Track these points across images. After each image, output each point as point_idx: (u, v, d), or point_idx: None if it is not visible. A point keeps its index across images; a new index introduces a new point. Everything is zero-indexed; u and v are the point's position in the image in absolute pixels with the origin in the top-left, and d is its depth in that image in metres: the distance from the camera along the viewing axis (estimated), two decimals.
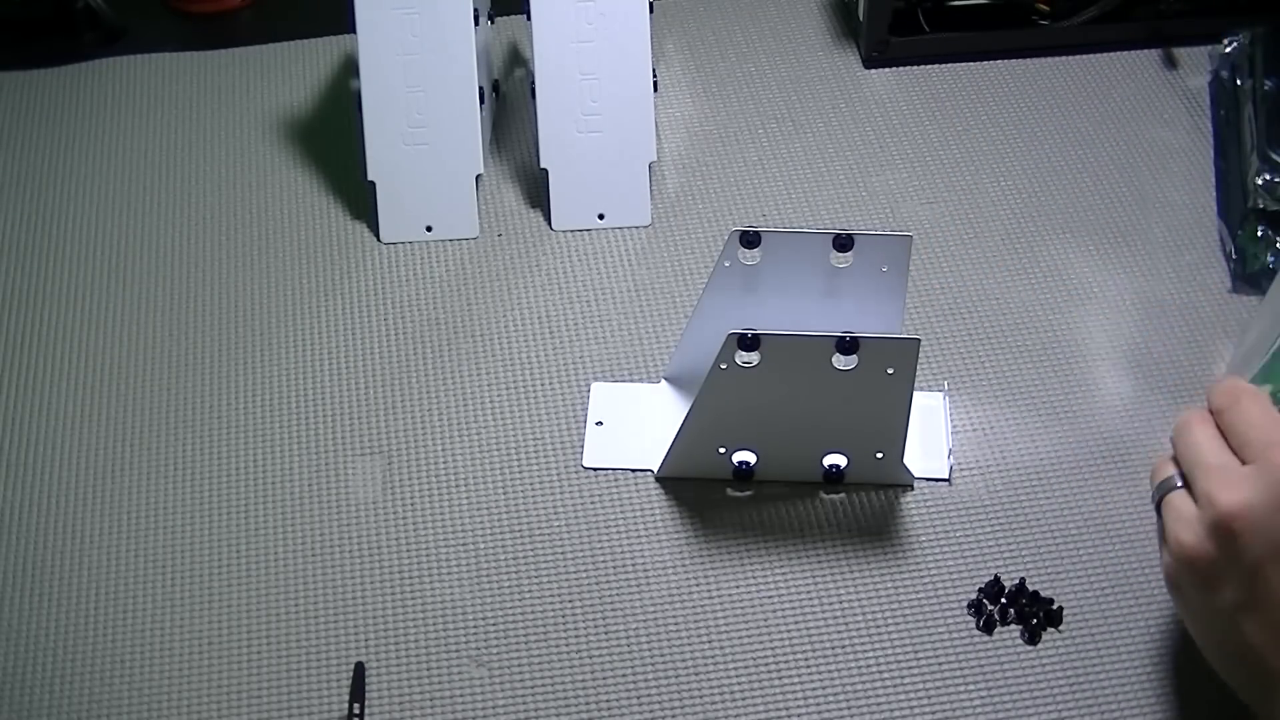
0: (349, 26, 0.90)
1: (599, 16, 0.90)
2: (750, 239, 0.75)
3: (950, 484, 0.78)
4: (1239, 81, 0.94)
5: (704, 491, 0.78)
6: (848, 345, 0.70)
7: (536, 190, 0.94)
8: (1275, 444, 0.58)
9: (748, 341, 0.70)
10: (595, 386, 0.83)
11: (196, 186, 0.95)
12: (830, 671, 0.70)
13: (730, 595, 0.73)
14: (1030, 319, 0.86)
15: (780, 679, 0.70)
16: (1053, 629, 0.72)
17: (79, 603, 0.74)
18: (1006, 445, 0.80)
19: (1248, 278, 0.87)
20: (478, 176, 0.91)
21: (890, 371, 0.71)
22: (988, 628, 0.72)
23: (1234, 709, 0.67)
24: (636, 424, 0.81)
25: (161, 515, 0.77)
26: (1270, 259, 0.86)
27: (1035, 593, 0.73)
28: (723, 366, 0.71)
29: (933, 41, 1.02)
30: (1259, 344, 0.69)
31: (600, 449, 0.80)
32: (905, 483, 0.78)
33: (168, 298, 0.88)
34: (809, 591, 0.73)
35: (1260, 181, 0.87)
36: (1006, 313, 0.86)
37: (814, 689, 0.70)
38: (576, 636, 0.72)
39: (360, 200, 0.93)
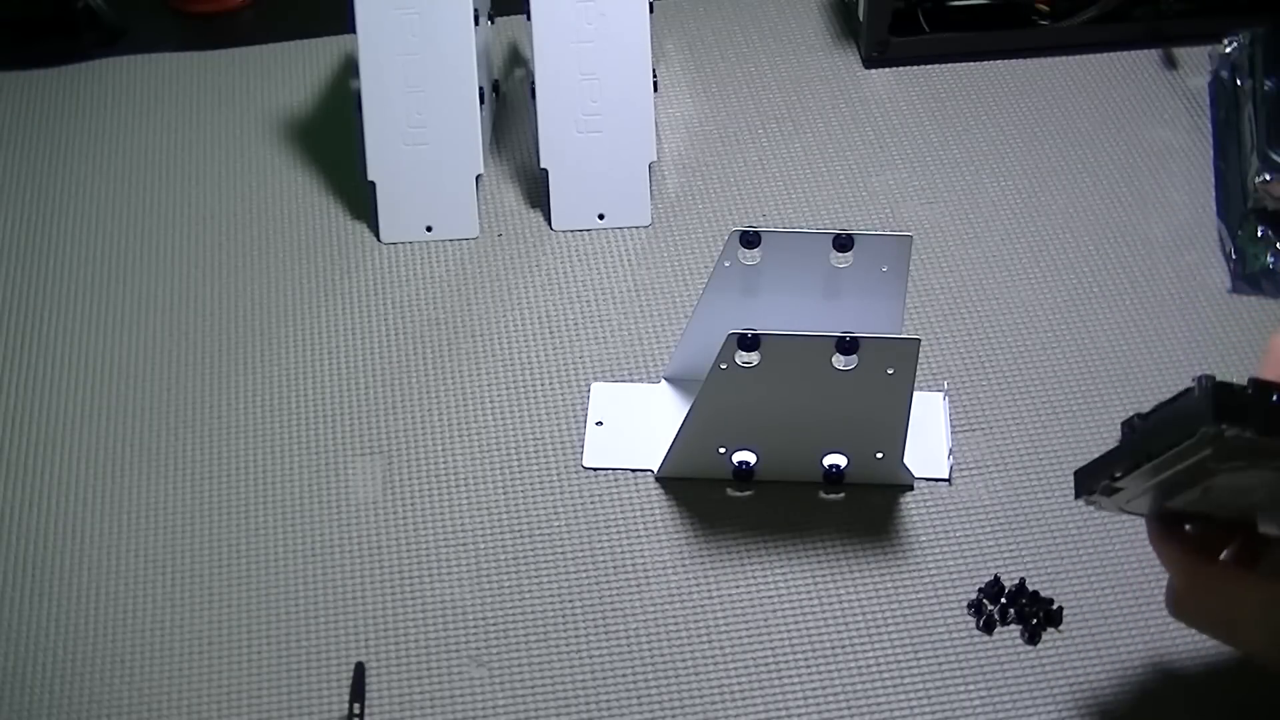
0: (349, 26, 0.90)
1: (599, 16, 0.90)
2: (750, 239, 0.75)
3: (950, 484, 0.78)
4: (1239, 81, 0.94)
5: (704, 491, 0.78)
6: (848, 345, 0.70)
7: (536, 190, 0.94)
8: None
9: (748, 341, 0.70)
10: (595, 386, 0.83)
11: (196, 186, 0.95)
12: (830, 671, 0.70)
13: (730, 595, 0.73)
14: (1030, 319, 0.86)
15: (780, 679, 0.70)
16: (1053, 629, 0.72)
17: (79, 603, 0.74)
18: (1006, 445, 0.80)
19: (1248, 278, 0.87)
20: (478, 176, 0.91)
21: (890, 372, 0.71)
22: (988, 628, 0.72)
23: (1233, 709, 0.67)
24: (636, 424, 0.81)
25: (161, 515, 0.77)
26: (1270, 259, 0.86)
27: (1035, 593, 0.73)
28: (723, 366, 0.71)
29: (933, 41, 1.02)
30: None
31: (600, 449, 0.80)
32: (905, 483, 0.78)
33: (168, 298, 0.88)
34: (809, 591, 0.73)
35: (1260, 181, 0.87)
36: (1006, 313, 0.86)
37: (814, 689, 0.70)
38: (576, 636, 0.72)
39: (360, 200, 0.93)
